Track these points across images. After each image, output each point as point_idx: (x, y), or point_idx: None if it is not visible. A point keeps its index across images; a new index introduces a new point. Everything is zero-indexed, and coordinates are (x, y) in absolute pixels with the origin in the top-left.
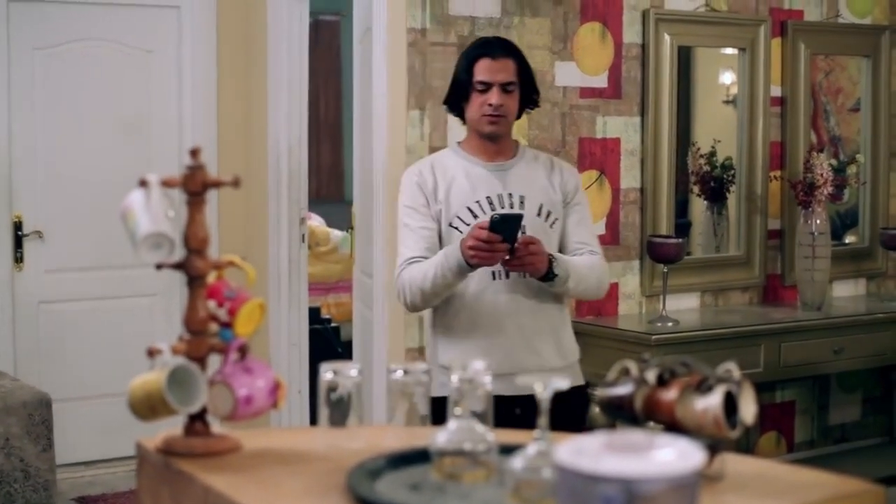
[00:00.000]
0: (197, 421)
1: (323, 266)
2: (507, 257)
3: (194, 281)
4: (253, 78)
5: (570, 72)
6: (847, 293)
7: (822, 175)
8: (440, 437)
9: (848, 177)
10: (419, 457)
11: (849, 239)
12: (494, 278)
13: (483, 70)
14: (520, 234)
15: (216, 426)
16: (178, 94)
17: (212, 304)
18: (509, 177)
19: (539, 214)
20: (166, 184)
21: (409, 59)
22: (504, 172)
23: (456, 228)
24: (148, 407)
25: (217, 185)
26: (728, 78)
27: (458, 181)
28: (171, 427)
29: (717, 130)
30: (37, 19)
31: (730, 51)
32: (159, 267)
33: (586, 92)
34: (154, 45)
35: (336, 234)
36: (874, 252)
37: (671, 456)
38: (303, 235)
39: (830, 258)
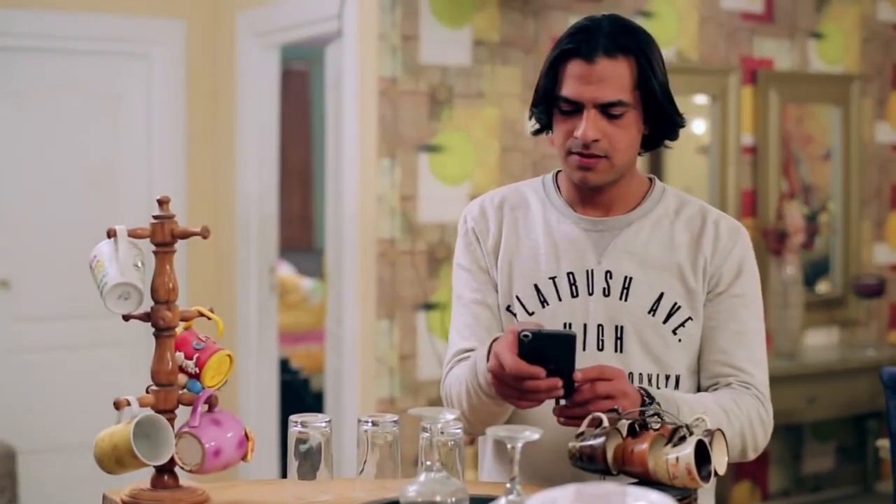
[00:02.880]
0: (165, 473)
1: (292, 316)
2: (561, 396)
3: (162, 332)
4: (222, 126)
5: None
6: (820, 342)
7: (793, 224)
8: (410, 489)
9: (819, 225)
10: None
11: (821, 287)
12: (558, 402)
13: (572, 79)
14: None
15: (184, 478)
16: (147, 142)
17: (180, 355)
18: (615, 242)
19: (653, 311)
20: (134, 234)
21: (380, 108)
22: (606, 235)
23: (514, 315)
24: (114, 459)
25: (186, 235)
26: (699, 126)
27: (531, 237)
28: (138, 479)
29: (688, 178)
30: (3, 66)
31: (701, 99)
32: (127, 318)
33: None
34: (123, 93)
35: (306, 283)
36: (847, 300)
37: None
38: (272, 285)
39: (803, 306)
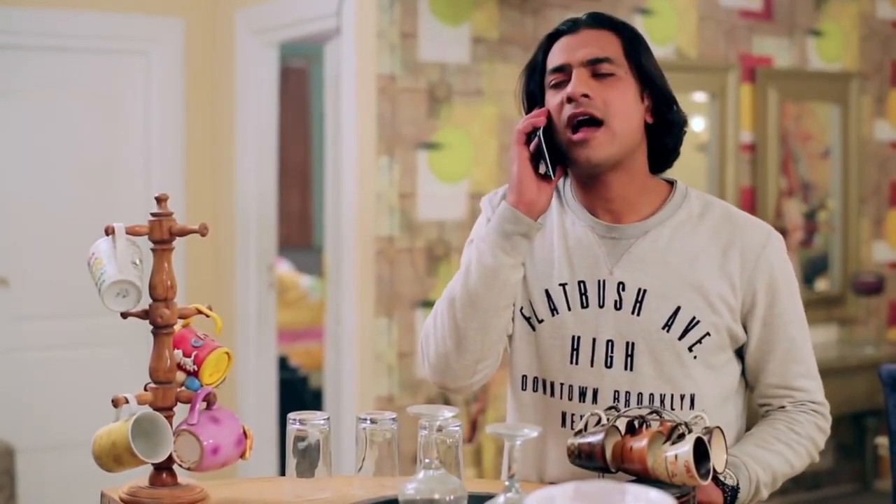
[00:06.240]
0: (163, 471)
1: (291, 314)
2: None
3: (160, 330)
4: (221, 124)
5: None
6: (818, 339)
7: (792, 221)
8: (409, 487)
9: (818, 223)
10: None
11: (820, 285)
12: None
13: (557, 52)
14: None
15: (183, 476)
16: (145, 140)
17: (178, 353)
18: (630, 251)
19: (668, 327)
20: (132, 232)
21: (379, 106)
22: (621, 243)
23: (527, 320)
24: (113, 457)
25: (184, 233)
26: (698, 124)
27: (546, 240)
28: (137, 477)
29: (687, 176)
30: (1, 65)
31: (700, 97)
32: (125, 316)
33: None
34: (121, 91)
35: (304, 281)
36: (846, 298)
37: None
38: (271, 283)
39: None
